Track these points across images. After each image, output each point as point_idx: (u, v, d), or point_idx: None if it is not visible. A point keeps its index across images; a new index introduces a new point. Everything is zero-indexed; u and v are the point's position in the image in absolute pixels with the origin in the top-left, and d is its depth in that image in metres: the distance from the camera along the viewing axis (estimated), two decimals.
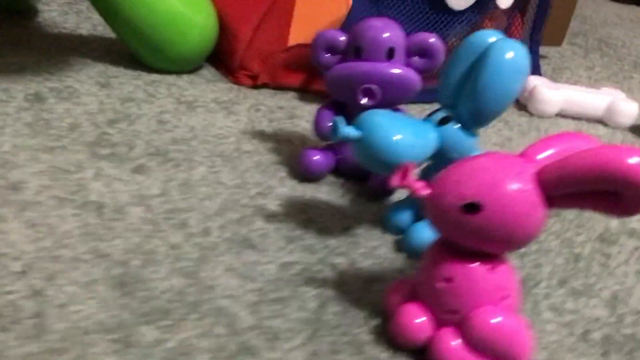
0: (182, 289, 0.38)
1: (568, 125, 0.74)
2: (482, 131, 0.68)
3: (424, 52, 0.49)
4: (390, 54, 0.48)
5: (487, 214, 0.32)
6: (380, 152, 0.39)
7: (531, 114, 0.75)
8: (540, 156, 0.35)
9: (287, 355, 0.35)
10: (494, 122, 0.71)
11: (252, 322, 0.37)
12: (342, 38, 0.50)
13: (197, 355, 0.34)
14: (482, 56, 0.39)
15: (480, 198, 0.32)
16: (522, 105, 0.77)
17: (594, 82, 0.92)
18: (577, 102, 0.75)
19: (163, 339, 0.35)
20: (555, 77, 0.91)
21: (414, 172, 0.36)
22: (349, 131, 0.39)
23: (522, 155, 0.35)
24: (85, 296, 0.36)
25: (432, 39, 0.49)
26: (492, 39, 0.40)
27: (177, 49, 0.66)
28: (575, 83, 0.90)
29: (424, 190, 0.34)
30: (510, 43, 0.38)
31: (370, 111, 0.41)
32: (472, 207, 0.32)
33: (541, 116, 0.75)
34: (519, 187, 0.32)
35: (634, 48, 1.17)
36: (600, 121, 0.76)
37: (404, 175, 0.34)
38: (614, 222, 0.54)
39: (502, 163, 0.33)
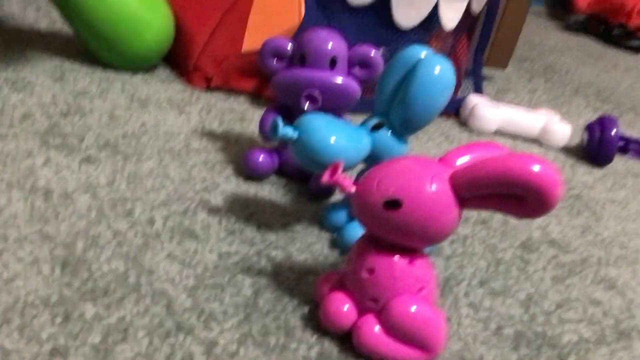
0: (123, 272, 0.40)
1: (505, 143, 0.79)
2: (423, 143, 0.72)
3: (365, 63, 0.53)
4: (333, 63, 0.52)
5: (406, 211, 0.36)
6: (316, 153, 0.42)
7: (471, 130, 0.80)
8: (459, 161, 0.38)
9: (220, 335, 0.37)
10: (434, 136, 0.75)
11: (189, 305, 0.39)
12: (289, 45, 0.53)
13: (134, 332, 0.36)
14: (413, 69, 0.42)
15: (400, 195, 0.35)
16: (463, 122, 0.82)
17: (534, 105, 0.97)
18: (514, 121, 0.79)
19: (102, 315, 0.37)
20: (498, 98, 0.96)
21: (343, 170, 0.39)
22: (287, 131, 0.42)
23: (442, 159, 0.38)
24: (30, 273, 0.38)
25: (373, 51, 0.52)
26: (422, 54, 0.43)
27: (132, 48, 0.68)
28: (517, 104, 0.94)
29: (352, 187, 0.37)
30: (439, 59, 0.42)
31: (309, 114, 0.44)
32: (393, 204, 0.36)
33: (480, 133, 0.79)
34: (435, 187, 0.36)
35: (577, 75, 1.24)
36: (536, 140, 0.81)
37: (334, 172, 0.37)
38: (536, 232, 0.58)
39: (422, 165, 0.37)
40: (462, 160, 0.38)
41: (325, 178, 0.37)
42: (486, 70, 1.04)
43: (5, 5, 0.80)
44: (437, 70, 0.42)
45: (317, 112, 0.45)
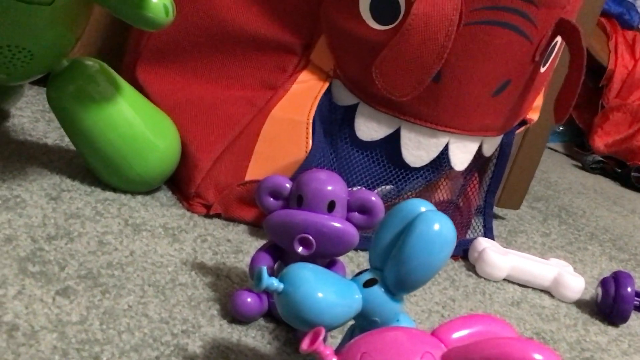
0: None
1: (514, 292, 0.75)
2: (427, 288, 0.69)
3: (365, 209, 0.50)
4: (331, 207, 0.49)
5: None
6: (302, 308, 0.39)
7: (478, 276, 0.76)
8: (454, 336, 0.35)
9: None
10: (439, 280, 0.71)
11: None
12: (287, 185, 0.51)
13: None
14: (410, 225, 0.40)
15: None
16: (471, 265, 0.78)
17: (547, 249, 0.94)
18: (525, 270, 0.76)
19: None
20: (509, 240, 0.92)
21: (329, 329, 0.36)
22: (272, 283, 0.39)
23: (435, 332, 0.35)
24: None
25: (374, 197, 0.50)
26: (422, 209, 0.41)
27: (135, 170, 0.67)
28: (529, 248, 0.91)
29: (332, 359, 0.33)
30: (438, 216, 0.39)
31: (297, 264, 0.41)
32: None
33: (488, 279, 0.76)
34: None
35: (593, 219, 1.21)
36: (547, 291, 0.77)
37: (314, 339, 0.34)
38: None
39: (412, 341, 0.33)
40: (459, 335, 0.34)
41: (305, 346, 0.34)
42: (498, 210, 1.02)
43: (17, 117, 0.80)
44: (436, 227, 0.39)
45: (306, 262, 0.42)
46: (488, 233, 0.84)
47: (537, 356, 0.30)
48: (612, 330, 0.72)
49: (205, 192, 0.70)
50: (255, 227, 0.71)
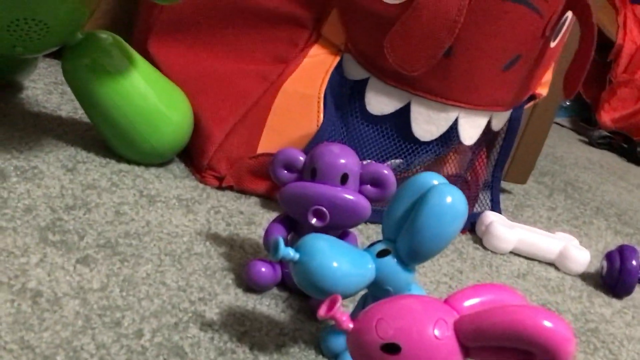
0: None
1: (520, 265, 0.76)
2: (434, 260, 0.70)
3: (377, 182, 0.51)
4: (344, 180, 0.50)
5: (405, 356, 0.33)
6: (317, 277, 0.40)
7: (485, 249, 0.77)
8: (466, 304, 0.36)
9: None
10: (447, 252, 0.73)
11: None
12: (301, 158, 0.52)
13: None
14: (423, 197, 0.41)
15: (399, 339, 0.33)
16: (478, 238, 0.79)
17: (553, 224, 0.95)
18: (531, 243, 0.77)
19: None
20: (516, 214, 0.94)
21: (344, 297, 0.37)
22: (289, 252, 0.40)
23: (448, 300, 0.36)
24: None
25: (386, 170, 0.51)
26: (434, 182, 0.42)
27: (148, 143, 0.68)
28: (535, 222, 0.92)
29: (348, 324, 0.35)
30: (450, 188, 0.40)
31: (312, 235, 0.42)
32: (392, 348, 0.33)
33: (495, 252, 0.77)
34: (438, 333, 0.33)
35: (599, 193, 1.22)
36: (553, 264, 0.78)
37: (331, 306, 0.35)
38: None
39: (425, 307, 0.34)
40: (470, 303, 0.36)
41: (322, 312, 0.35)
42: (505, 184, 1.03)
43: (30, 89, 0.81)
44: (448, 199, 0.40)
45: (320, 234, 0.43)
46: (495, 207, 0.85)
47: (546, 323, 0.31)
48: (616, 303, 0.73)
49: (218, 165, 0.71)
50: (267, 199, 0.72)
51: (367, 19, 0.68)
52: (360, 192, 0.51)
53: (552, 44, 0.74)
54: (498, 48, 0.68)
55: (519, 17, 0.67)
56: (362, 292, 0.46)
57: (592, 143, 1.72)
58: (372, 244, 0.44)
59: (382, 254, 0.43)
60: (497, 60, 0.69)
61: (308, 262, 0.41)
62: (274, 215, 0.68)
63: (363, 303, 0.47)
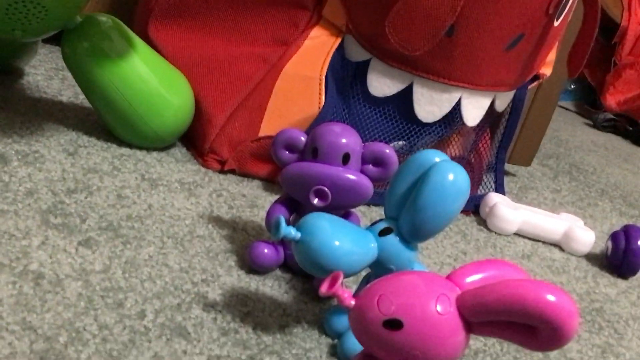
0: None
1: (524, 246, 0.76)
2: (438, 242, 0.70)
3: (379, 161, 0.51)
4: (345, 159, 0.50)
5: (408, 332, 0.33)
6: (319, 256, 0.40)
7: (489, 230, 0.77)
8: (468, 280, 0.35)
9: None
10: (451, 234, 0.72)
11: None
12: (302, 138, 0.52)
13: None
14: (425, 175, 0.40)
15: (401, 315, 0.33)
16: (482, 219, 0.79)
17: (558, 205, 0.94)
18: (535, 224, 0.77)
19: None
20: (520, 196, 0.93)
21: (347, 276, 0.37)
22: (290, 231, 0.40)
23: (450, 276, 0.35)
24: None
25: (387, 149, 0.51)
26: (436, 159, 0.41)
27: (149, 127, 0.68)
28: (539, 204, 0.92)
29: (350, 301, 0.35)
30: (453, 165, 0.40)
31: (314, 214, 0.42)
32: (394, 324, 0.33)
33: (499, 233, 0.77)
34: (440, 308, 0.33)
35: (604, 176, 1.21)
36: (558, 245, 0.78)
37: (333, 283, 0.35)
38: (553, 352, 0.55)
39: (427, 283, 0.34)
40: (473, 279, 0.35)
41: (324, 289, 0.35)
42: (509, 167, 1.02)
43: (31, 75, 0.81)
44: (450, 176, 0.40)
45: (322, 212, 0.43)
46: (499, 189, 0.84)
47: (550, 297, 0.30)
48: (622, 283, 0.73)
49: (220, 148, 0.71)
50: (269, 182, 0.72)
51: None
52: (362, 171, 0.51)
53: (556, 23, 0.73)
54: (501, 27, 0.67)
55: None
56: (365, 272, 0.46)
57: (596, 126, 1.70)
58: (374, 223, 0.44)
59: (384, 233, 0.43)
60: (500, 39, 0.69)
61: (310, 241, 0.40)
62: (276, 197, 0.68)
63: (366, 282, 0.46)
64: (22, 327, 0.39)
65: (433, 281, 0.34)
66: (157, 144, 0.70)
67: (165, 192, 0.62)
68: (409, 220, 0.41)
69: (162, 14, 0.76)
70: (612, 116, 1.71)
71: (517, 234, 0.78)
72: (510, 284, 0.32)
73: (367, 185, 0.51)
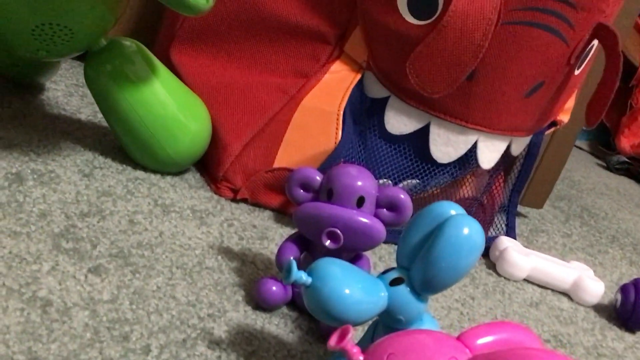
0: None
1: (533, 293, 0.75)
2: None
3: (393, 206, 0.51)
4: (360, 202, 0.50)
5: None
6: (329, 303, 0.40)
7: (499, 275, 0.76)
8: (480, 342, 0.35)
9: None
10: None
11: None
12: (318, 178, 0.52)
13: None
14: (440, 227, 0.40)
15: None
16: (491, 263, 0.78)
17: (568, 251, 0.94)
18: (545, 271, 0.76)
19: None
20: (530, 239, 0.93)
21: (355, 325, 0.37)
22: (301, 276, 0.40)
23: (461, 337, 0.35)
24: None
25: (403, 195, 0.50)
26: (452, 212, 0.41)
27: (166, 152, 0.68)
28: (549, 249, 0.91)
29: (359, 357, 0.34)
30: (468, 220, 0.40)
31: (325, 259, 0.42)
32: None
33: (508, 279, 0.76)
34: None
35: (615, 221, 1.20)
36: (566, 294, 0.77)
37: (342, 337, 0.35)
38: None
39: (437, 344, 0.34)
40: (484, 342, 0.35)
41: (332, 342, 0.35)
42: (520, 208, 1.02)
43: (51, 90, 0.82)
44: (465, 230, 0.40)
45: (334, 258, 0.43)
46: (510, 232, 0.84)
47: None
48: (629, 337, 0.72)
49: (233, 177, 0.71)
50: (281, 213, 0.71)
51: (390, 38, 0.68)
52: (376, 215, 0.51)
53: (577, 72, 0.73)
54: (521, 74, 0.68)
55: (544, 44, 0.66)
56: (373, 319, 0.46)
57: (610, 168, 1.70)
58: (385, 271, 0.44)
59: (395, 282, 0.42)
60: (520, 86, 0.69)
61: (320, 287, 0.40)
62: (286, 230, 0.68)
63: (373, 330, 0.46)
64: (28, 357, 0.39)
65: (443, 342, 0.34)
66: (172, 168, 0.71)
67: (177, 219, 0.62)
68: (421, 272, 0.41)
69: (185, 38, 0.77)
70: (626, 159, 1.70)
71: (527, 280, 0.77)
72: (522, 352, 0.31)
73: (380, 229, 0.50)
